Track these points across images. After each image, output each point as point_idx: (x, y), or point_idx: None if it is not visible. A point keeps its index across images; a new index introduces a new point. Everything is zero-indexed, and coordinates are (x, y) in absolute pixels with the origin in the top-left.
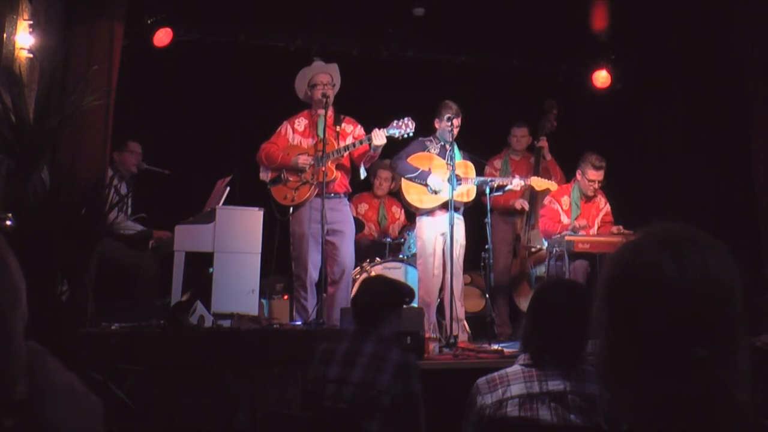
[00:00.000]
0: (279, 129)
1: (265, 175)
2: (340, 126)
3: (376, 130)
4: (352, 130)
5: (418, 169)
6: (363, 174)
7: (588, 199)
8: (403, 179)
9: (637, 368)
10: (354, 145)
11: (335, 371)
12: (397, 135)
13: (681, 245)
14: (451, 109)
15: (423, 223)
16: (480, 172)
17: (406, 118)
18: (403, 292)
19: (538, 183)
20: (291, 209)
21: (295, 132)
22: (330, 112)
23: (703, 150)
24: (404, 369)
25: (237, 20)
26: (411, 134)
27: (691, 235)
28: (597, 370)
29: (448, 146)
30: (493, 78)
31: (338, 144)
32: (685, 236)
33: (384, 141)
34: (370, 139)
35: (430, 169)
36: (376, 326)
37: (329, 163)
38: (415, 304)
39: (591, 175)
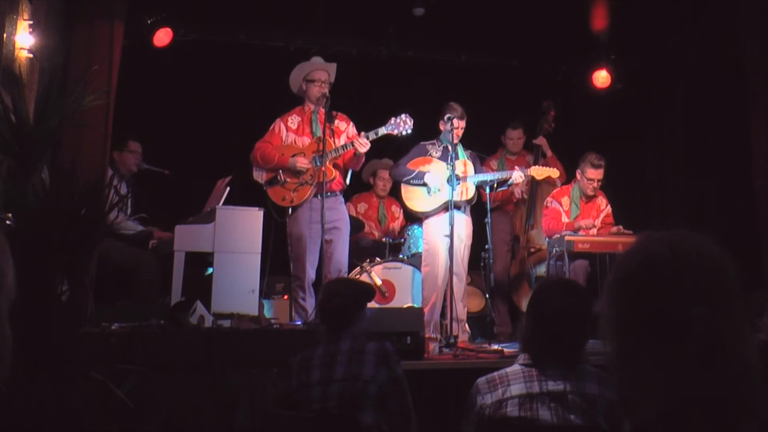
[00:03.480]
0: (272, 127)
1: (258, 176)
2: (333, 123)
3: (357, 138)
4: (346, 128)
5: (413, 170)
6: (347, 178)
7: (588, 199)
8: (402, 186)
9: (646, 345)
10: (352, 143)
11: (317, 374)
12: (395, 133)
13: (675, 237)
14: (453, 110)
15: (429, 227)
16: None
17: (403, 115)
18: (367, 291)
19: (539, 172)
20: (290, 210)
21: (288, 130)
22: (322, 109)
23: (703, 150)
24: (384, 356)
25: (237, 20)
26: (409, 131)
27: (686, 233)
28: (608, 370)
29: (450, 148)
30: (493, 78)
31: (335, 143)
32: (680, 233)
33: (366, 148)
34: (353, 145)
35: (429, 170)
36: (348, 327)
37: (327, 162)
38: (417, 304)
39: (590, 173)
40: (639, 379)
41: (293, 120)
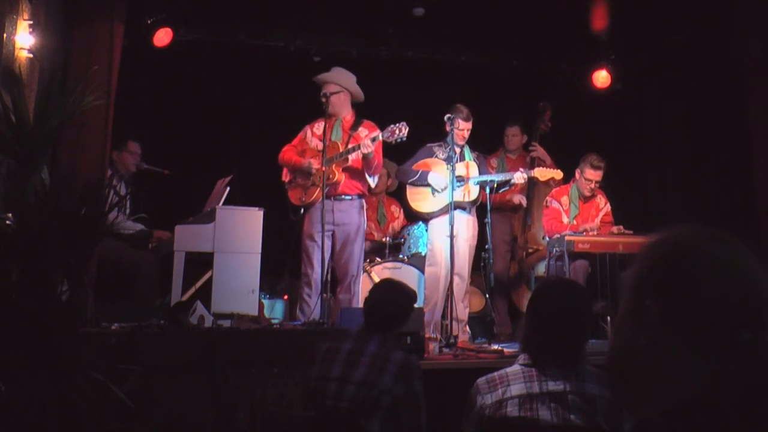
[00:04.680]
0: (300, 133)
1: (285, 177)
2: (356, 130)
3: (363, 139)
4: (367, 135)
5: (417, 171)
6: (370, 181)
7: (586, 199)
8: (407, 187)
9: (681, 350)
10: (354, 148)
11: (338, 370)
12: (390, 140)
13: (725, 241)
14: (459, 111)
15: (433, 227)
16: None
17: (401, 123)
18: (413, 299)
19: (542, 173)
20: (302, 209)
21: (314, 135)
22: (350, 117)
23: (703, 150)
24: (406, 369)
25: (237, 20)
26: (404, 139)
27: (727, 235)
28: (614, 359)
29: (457, 149)
30: (493, 78)
31: (344, 148)
32: (724, 235)
33: (369, 149)
34: (358, 148)
35: (431, 169)
36: (390, 332)
37: (333, 166)
38: (420, 305)
39: (589, 174)
40: (643, 377)
41: (319, 126)
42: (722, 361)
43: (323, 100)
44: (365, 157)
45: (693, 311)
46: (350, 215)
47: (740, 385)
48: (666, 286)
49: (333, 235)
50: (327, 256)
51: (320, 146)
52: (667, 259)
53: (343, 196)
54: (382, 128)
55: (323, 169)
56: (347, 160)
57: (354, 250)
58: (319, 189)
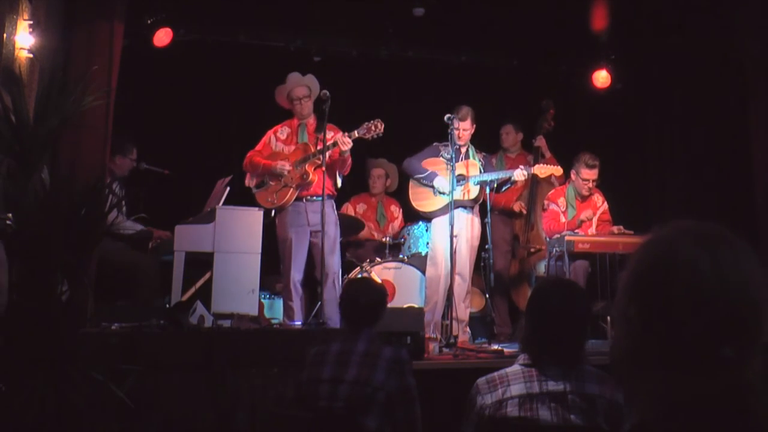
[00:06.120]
0: (263, 138)
1: (250, 182)
2: (320, 132)
3: (340, 135)
4: (333, 137)
5: (427, 170)
6: (340, 181)
7: (583, 198)
8: (410, 184)
9: (660, 362)
10: (328, 147)
11: (329, 371)
12: (367, 137)
13: (716, 244)
14: (456, 111)
15: (435, 227)
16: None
17: (377, 120)
18: (385, 290)
19: (542, 170)
20: (273, 212)
21: (278, 140)
22: (312, 120)
23: (703, 150)
24: (397, 364)
25: (237, 20)
26: (380, 135)
27: (725, 236)
28: (612, 362)
29: (462, 149)
30: (493, 78)
31: (314, 149)
32: (719, 236)
33: (349, 146)
34: (336, 144)
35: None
36: (373, 325)
37: (306, 166)
38: (418, 304)
39: (585, 174)
40: (637, 380)
41: (283, 131)
42: (694, 381)
43: (308, 114)
44: (342, 154)
45: (667, 324)
46: (324, 215)
47: (711, 409)
48: (642, 295)
49: (309, 236)
50: (303, 255)
51: (287, 150)
52: (646, 267)
53: (314, 198)
54: (356, 125)
55: (303, 168)
56: (321, 159)
57: (332, 249)
58: (291, 190)
